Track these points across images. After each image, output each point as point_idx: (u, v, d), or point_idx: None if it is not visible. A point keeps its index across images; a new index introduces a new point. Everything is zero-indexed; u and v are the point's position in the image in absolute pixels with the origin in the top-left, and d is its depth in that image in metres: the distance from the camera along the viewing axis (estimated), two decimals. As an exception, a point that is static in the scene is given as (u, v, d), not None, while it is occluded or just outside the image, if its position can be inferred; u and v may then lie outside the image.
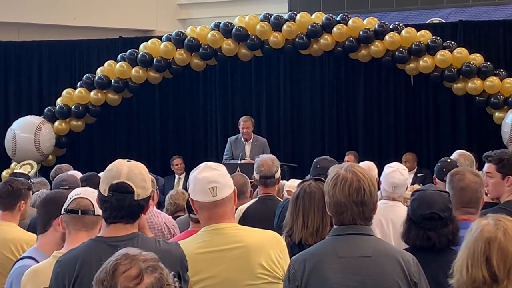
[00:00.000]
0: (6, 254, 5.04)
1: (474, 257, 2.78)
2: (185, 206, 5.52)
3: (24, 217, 5.48)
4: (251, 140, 11.27)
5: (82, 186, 5.45)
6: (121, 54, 12.55)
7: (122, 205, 3.17)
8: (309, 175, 5.95)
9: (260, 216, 5.23)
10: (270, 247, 3.53)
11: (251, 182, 6.40)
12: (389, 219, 5.25)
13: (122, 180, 3.16)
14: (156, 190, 6.28)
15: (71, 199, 3.73)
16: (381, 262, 3.11)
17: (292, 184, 6.52)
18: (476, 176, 4.37)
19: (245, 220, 5.31)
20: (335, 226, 3.25)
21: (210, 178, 3.47)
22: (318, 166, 5.72)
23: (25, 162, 11.94)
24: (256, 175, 5.92)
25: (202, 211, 3.54)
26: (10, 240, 5.08)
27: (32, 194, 5.90)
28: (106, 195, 3.18)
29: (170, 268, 2.37)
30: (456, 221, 3.89)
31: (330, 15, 12.06)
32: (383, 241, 3.41)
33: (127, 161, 3.27)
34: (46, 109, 12.63)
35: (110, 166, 3.25)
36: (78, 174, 7.00)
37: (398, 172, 5.51)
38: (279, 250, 3.55)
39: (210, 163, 3.63)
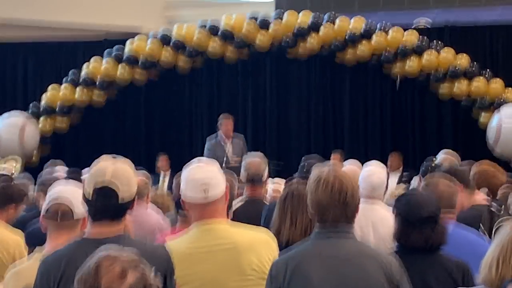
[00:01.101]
0: None
1: (507, 255, 2.77)
2: (174, 203, 5.50)
3: (12, 222, 5.44)
4: (231, 138, 11.20)
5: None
6: (106, 51, 12.50)
7: (107, 208, 3.14)
8: (296, 174, 5.94)
9: (248, 217, 5.19)
10: (261, 247, 3.53)
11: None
12: (369, 220, 5.24)
13: (106, 184, 3.13)
14: (151, 187, 6.25)
15: (49, 204, 3.70)
16: (363, 262, 3.12)
17: (278, 183, 6.49)
18: (450, 181, 4.47)
19: (233, 221, 5.29)
20: (317, 226, 3.24)
21: (202, 177, 3.47)
22: (306, 164, 5.71)
23: (10, 157, 11.89)
24: (244, 175, 5.89)
25: (193, 210, 3.54)
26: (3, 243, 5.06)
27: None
28: (90, 198, 3.16)
29: (156, 269, 2.35)
30: (443, 221, 3.90)
31: (318, 13, 12.06)
32: (365, 243, 3.44)
33: (113, 157, 3.24)
34: (31, 106, 12.58)
35: (94, 165, 3.22)
36: (62, 170, 6.98)
37: (377, 172, 5.51)
38: (270, 250, 3.54)
39: (203, 159, 3.62)
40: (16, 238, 5.12)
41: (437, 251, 3.79)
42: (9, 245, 5.05)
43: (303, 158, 6.01)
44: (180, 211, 5.09)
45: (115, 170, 3.17)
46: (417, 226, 3.80)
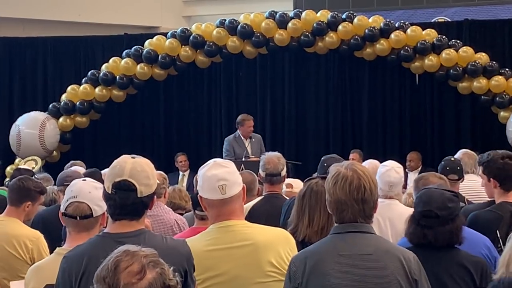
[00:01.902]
0: (8, 249, 5.07)
1: None
2: (191, 202, 5.52)
3: (29, 218, 5.46)
4: (250, 137, 11.22)
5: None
6: (126, 50, 12.55)
7: (126, 202, 3.16)
8: (316, 174, 5.93)
9: (265, 214, 5.21)
10: (280, 245, 3.53)
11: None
12: (386, 218, 5.24)
13: (124, 178, 3.15)
14: (168, 187, 6.27)
15: (68, 202, 3.71)
16: (382, 259, 3.11)
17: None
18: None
19: (251, 217, 5.29)
20: (335, 224, 3.26)
21: (219, 176, 3.47)
22: (325, 164, 5.69)
23: (29, 158, 11.95)
24: (262, 173, 5.90)
25: (211, 208, 3.54)
26: (13, 236, 5.10)
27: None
28: (110, 192, 3.18)
29: (176, 265, 2.37)
30: (459, 220, 3.87)
31: (336, 13, 12.05)
32: (384, 239, 3.42)
33: (132, 157, 3.26)
34: (50, 105, 12.65)
35: (114, 163, 3.24)
36: (82, 170, 7.02)
37: (394, 171, 5.50)
38: (289, 248, 3.55)
39: (219, 159, 3.62)
40: (34, 233, 5.16)
41: (451, 249, 3.77)
42: (26, 241, 5.09)
43: (322, 158, 6.00)
44: (197, 211, 5.12)
45: (134, 164, 3.20)
46: (418, 221, 3.82)
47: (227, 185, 3.46)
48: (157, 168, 3.57)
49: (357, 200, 3.16)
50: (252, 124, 11.27)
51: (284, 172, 5.93)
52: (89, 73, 12.57)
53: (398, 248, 3.27)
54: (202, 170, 3.55)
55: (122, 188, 3.15)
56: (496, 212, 4.68)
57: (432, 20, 13.64)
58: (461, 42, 11.73)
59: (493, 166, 4.84)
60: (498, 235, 4.42)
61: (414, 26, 11.86)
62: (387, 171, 5.48)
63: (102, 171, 6.45)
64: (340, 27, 11.84)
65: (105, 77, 12.39)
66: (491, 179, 4.84)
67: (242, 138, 11.18)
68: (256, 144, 11.15)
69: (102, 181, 3.47)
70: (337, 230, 3.23)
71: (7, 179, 9.77)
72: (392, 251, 3.18)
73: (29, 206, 5.31)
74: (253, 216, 5.34)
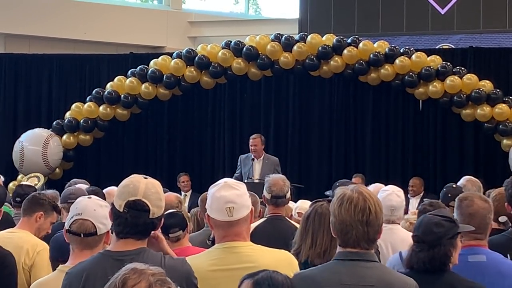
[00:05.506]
0: (21, 261, 5.04)
1: None
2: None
3: (40, 235, 5.38)
4: (262, 158, 11.21)
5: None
6: (131, 69, 12.59)
7: (137, 222, 3.16)
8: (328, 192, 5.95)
9: (268, 236, 5.20)
10: (283, 268, 3.50)
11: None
12: (388, 243, 5.25)
13: (139, 198, 3.15)
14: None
15: (72, 219, 3.70)
16: None
17: (303, 206, 6.52)
18: (485, 201, 4.30)
19: (253, 239, 5.29)
20: (339, 248, 3.25)
21: (228, 198, 3.47)
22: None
23: (32, 174, 11.95)
24: (267, 195, 5.89)
25: (217, 228, 3.55)
26: (20, 245, 5.08)
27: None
28: (121, 210, 3.17)
29: (177, 284, 2.38)
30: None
31: (341, 37, 12.11)
32: (387, 269, 3.40)
33: (144, 177, 3.25)
34: (54, 122, 12.66)
35: (127, 181, 3.23)
36: (85, 187, 7.00)
37: (395, 195, 5.52)
38: (291, 271, 3.51)
39: (230, 180, 3.63)
40: (37, 243, 5.12)
41: (443, 272, 3.72)
42: (28, 251, 5.07)
43: (336, 183, 6.01)
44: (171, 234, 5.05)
45: (147, 185, 3.20)
46: (412, 246, 3.81)
47: (235, 208, 3.46)
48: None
49: (362, 222, 3.16)
50: (255, 143, 11.24)
51: (288, 195, 5.93)
52: (94, 91, 12.60)
53: (400, 279, 3.25)
54: (212, 190, 3.55)
55: (136, 208, 3.15)
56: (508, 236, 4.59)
57: (437, 47, 13.69)
58: (465, 69, 11.77)
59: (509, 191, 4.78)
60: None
61: (419, 52, 11.91)
62: (388, 195, 5.49)
63: (104, 190, 6.44)
64: (345, 51, 11.89)
65: (110, 96, 12.42)
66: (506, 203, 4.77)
67: (253, 158, 11.19)
68: (269, 166, 11.02)
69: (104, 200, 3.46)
70: (341, 256, 3.22)
71: (10, 195, 9.75)
72: (395, 283, 3.17)
73: (41, 218, 5.24)
74: (256, 238, 5.32)
